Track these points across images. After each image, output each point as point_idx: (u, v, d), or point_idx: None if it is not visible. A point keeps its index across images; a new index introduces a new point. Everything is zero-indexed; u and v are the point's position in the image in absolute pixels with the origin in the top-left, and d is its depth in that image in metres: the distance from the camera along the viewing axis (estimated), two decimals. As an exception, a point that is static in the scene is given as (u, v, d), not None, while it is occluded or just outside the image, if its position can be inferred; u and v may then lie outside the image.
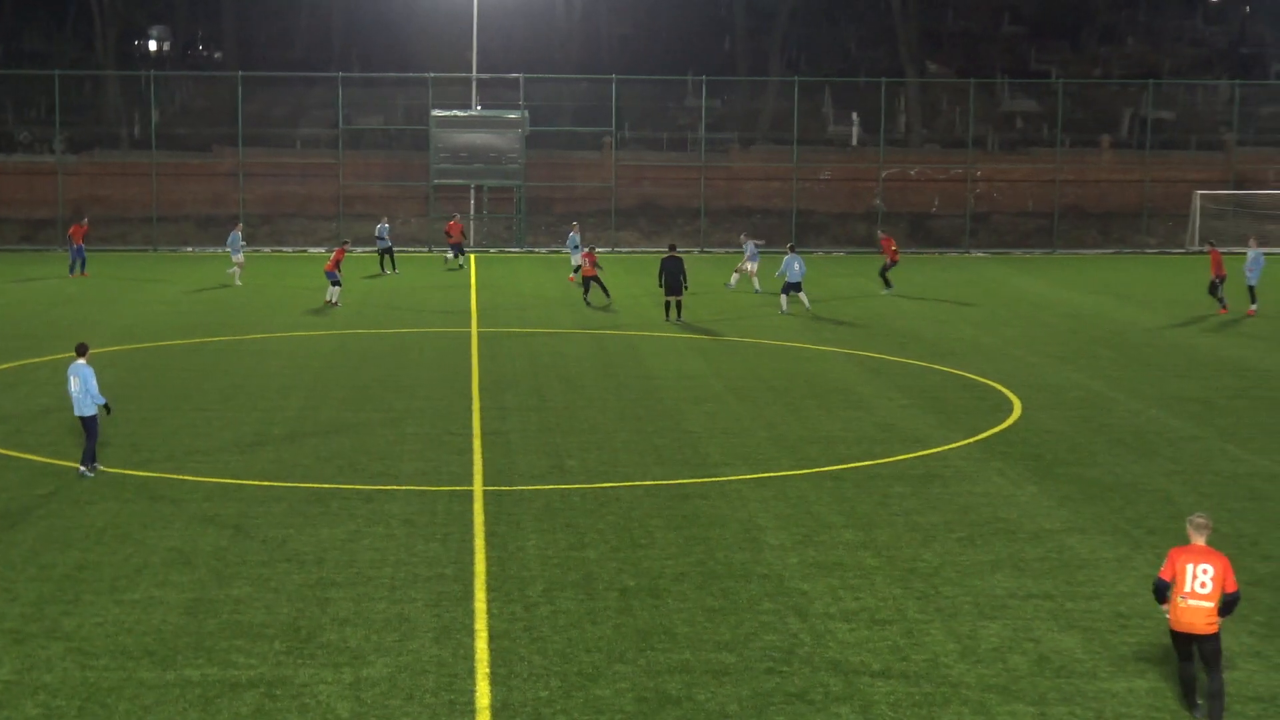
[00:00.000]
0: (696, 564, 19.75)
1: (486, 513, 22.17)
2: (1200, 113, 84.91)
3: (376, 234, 56.74)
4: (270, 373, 34.16)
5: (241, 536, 20.81)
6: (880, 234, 57.35)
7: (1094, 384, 33.67)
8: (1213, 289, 46.02)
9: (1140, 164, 73.34)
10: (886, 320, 44.19)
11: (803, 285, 45.71)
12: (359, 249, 61.16)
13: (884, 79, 73.36)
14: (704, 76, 72.55)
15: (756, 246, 54.14)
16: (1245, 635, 17.23)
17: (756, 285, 51.62)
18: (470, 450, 26.30)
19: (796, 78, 74.14)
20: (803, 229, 70.01)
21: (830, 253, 68.81)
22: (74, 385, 23.67)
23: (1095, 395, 32.33)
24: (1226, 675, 15.35)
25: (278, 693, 15.30)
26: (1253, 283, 45.88)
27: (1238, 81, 78.07)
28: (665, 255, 44.23)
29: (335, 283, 46.37)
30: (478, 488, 23.67)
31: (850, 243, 70.13)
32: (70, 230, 56.91)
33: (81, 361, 23.81)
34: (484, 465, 25.17)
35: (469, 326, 41.98)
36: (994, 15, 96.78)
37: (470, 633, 17.04)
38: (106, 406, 24.08)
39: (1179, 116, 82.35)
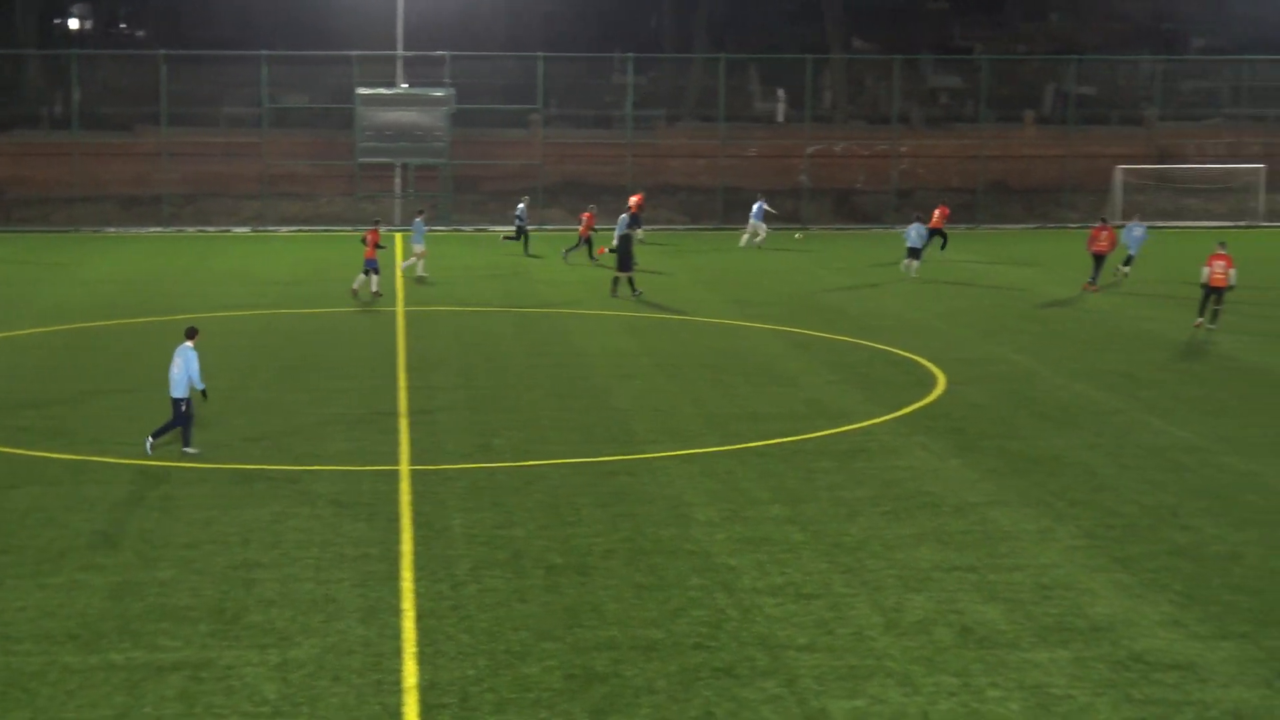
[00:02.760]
0: (624, 541, 19.81)
1: (413, 492, 22.14)
2: (1122, 88, 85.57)
3: (516, 214, 56.86)
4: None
5: (167, 519, 20.69)
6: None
7: (1018, 358, 33.97)
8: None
9: (1063, 139, 73.79)
10: (814, 296, 44.35)
11: (921, 252, 49.27)
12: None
13: (809, 55, 73.39)
14: (630, 54, 72.37)
15: (763, 207, 59.14)
16: (1165, 604, 17.48)
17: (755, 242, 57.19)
18: (396, 430, 26.24)
19: (722, 54, 74.10)
20: (729, 205, 70.05)
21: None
22: (176, 367, 23.97)
23: (1019, 369, 32.62)
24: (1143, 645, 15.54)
25: (203, 675, 15.24)
26: (1133, 253, 47.68)
27: (1159, 57, 78.70)
28: (622, 233, 44.85)
29: (375, 270, 42.53)
30: (404, 467, 23.63)
31: (777, 219, 70.30)
32: None
33: (188, 344, 24.12)
34: (410, 445, 25.13)
35: (395, 306, 41.79)
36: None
37: (397, 612, 17.03)
38: (203, 392, 24.52)
39: (1101, 92, 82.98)
